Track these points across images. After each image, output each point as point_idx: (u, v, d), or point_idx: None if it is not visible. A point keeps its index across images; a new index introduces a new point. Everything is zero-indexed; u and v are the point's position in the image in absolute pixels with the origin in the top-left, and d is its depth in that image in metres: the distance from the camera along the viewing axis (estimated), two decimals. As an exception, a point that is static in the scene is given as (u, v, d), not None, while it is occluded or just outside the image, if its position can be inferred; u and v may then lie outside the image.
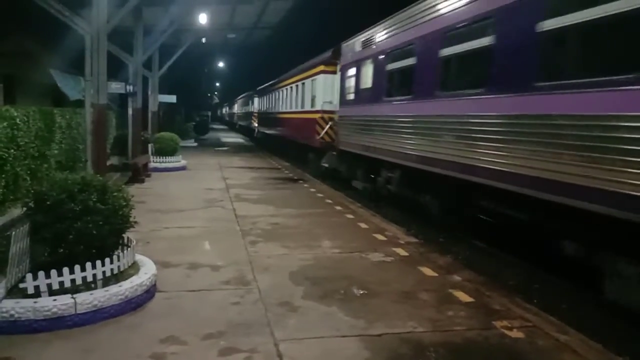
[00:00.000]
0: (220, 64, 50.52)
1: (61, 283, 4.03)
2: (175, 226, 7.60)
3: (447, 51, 7.30)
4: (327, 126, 14.20)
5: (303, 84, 17.41)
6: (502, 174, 5.84)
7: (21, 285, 3.95)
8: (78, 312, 3.92)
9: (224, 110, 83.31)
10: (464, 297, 4.92)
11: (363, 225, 8.05)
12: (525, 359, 3.70)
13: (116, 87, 14.09)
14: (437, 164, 7.44)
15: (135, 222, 4.73)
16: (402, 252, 6.51)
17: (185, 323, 4.08)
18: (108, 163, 15.64)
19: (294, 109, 18.91)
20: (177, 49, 20.27)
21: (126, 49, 14.61)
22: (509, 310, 4.62)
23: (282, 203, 9.85)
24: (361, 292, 4.96)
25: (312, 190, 11.89)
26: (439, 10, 7.58)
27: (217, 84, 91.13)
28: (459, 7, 7.00)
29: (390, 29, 9.61)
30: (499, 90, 6.02)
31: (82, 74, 9.92)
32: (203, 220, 8.12)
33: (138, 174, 12.30)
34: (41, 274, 3.92)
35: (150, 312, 4.30)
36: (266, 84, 28.63)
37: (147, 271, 4.64)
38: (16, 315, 3.74)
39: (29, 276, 3.91)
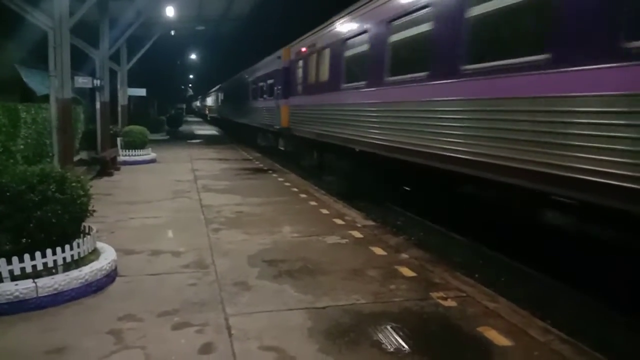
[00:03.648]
0: (193, 57, 50.20)
1: (23, 269, 4.26)
2: (141, 216, 7.82)
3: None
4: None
5: (209, 95, 53.07)
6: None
7: (-17, 272, 4.17)
8: (40, 295, 4.17)
9: (197, 103, 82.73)
10: (407, 272, 5.30)
11: (324, 211, 8.40)
12: (453, 324, 4.08)
13: (83, 81, 14.06)
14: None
15: (94, 211, 4.97)
16: (357, 234, 6.87)
17: (143, 303, 4.36)
18: (77, 158, 15.69)
19: (209, 105, 53.72)
20: (145, 41, 20.24)
21: (92, 43, 14.60)
22: (448, 283, 5.01)
23: (249, 192, 10.12)
24: (313, 271, 5.30)
25: (280, 179, 12.18)
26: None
27: (191, 77, 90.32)
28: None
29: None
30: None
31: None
32: (169, 210, 8.36)
33: (106, 167, 12.41)
34: (2, 260, 4.15)
35: (110, 294, 4.57)
36: (208, 91, 59.16)
37: (107, 257, 4.89)
38: (-21, 300, 3.97)
39: (-10, 263, 4.13)
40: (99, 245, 5.21)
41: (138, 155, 15.42)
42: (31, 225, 4.32)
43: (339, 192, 10.33)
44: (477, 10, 5.70)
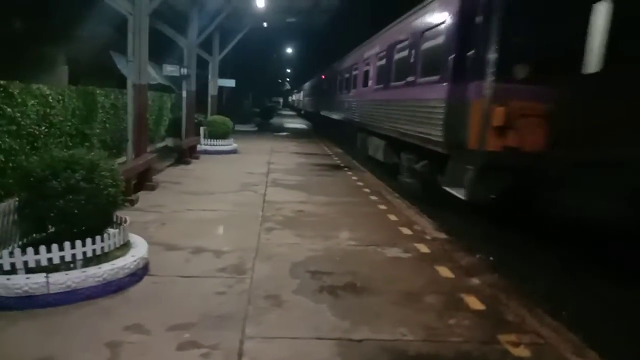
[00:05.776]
0: (289, 50, 50.72)
1: (39, 261, 3.96)
2: (198, 209, 7.50)
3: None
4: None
5: (299, 91, 58.30)
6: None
7: None
8: (51, 292, 3.83)
9: (293, 97, 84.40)
10: (475, 303, 4.37)
11: (392, 217, 7.56)
12: (522, 384, 3.16)
13: (171, 69, 14.28)
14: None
15: (127, 202, 4.59)
16: (424, 248, 5.99)
17: (159, 311, 3.89)
18: (163, 144, 16.09)
19: (299, 99, 60.15)
20: (237, 33, 20.35)
21: (182, 32, 14.76)
22: (523, 323, 4.03)
23: (317, 190, 9.53)
24: (360, 290, 4.55)
25: (354, 178, 11.46)
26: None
27: (288, 70, 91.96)
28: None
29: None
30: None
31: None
32: (229, 204, 7.98)
33: (183, 155, 12.43)
34: (17, 250, 3.88)
35: (128, 297, 4.16)
36: (299, 87, 62.06)
37: (135, 254, 4.50)
38: (-11, 292, 3.71)
39: (5, 252, 3.87)
40: (133, 239, 4.85)
41: (219, 145, 15.43)
42: (52, 215, 4.01)
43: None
44: None
